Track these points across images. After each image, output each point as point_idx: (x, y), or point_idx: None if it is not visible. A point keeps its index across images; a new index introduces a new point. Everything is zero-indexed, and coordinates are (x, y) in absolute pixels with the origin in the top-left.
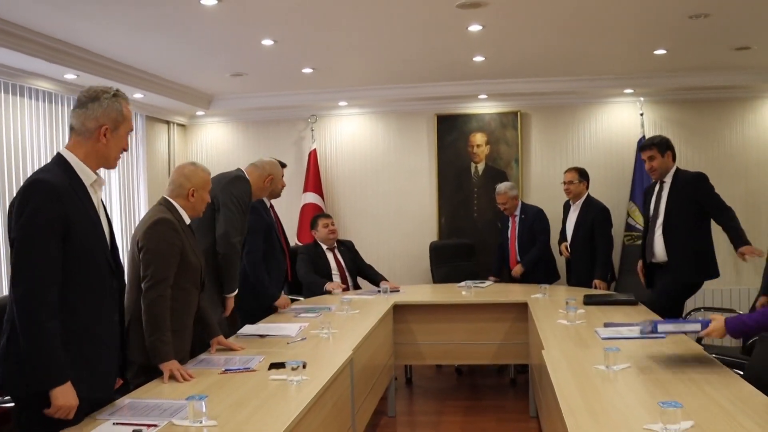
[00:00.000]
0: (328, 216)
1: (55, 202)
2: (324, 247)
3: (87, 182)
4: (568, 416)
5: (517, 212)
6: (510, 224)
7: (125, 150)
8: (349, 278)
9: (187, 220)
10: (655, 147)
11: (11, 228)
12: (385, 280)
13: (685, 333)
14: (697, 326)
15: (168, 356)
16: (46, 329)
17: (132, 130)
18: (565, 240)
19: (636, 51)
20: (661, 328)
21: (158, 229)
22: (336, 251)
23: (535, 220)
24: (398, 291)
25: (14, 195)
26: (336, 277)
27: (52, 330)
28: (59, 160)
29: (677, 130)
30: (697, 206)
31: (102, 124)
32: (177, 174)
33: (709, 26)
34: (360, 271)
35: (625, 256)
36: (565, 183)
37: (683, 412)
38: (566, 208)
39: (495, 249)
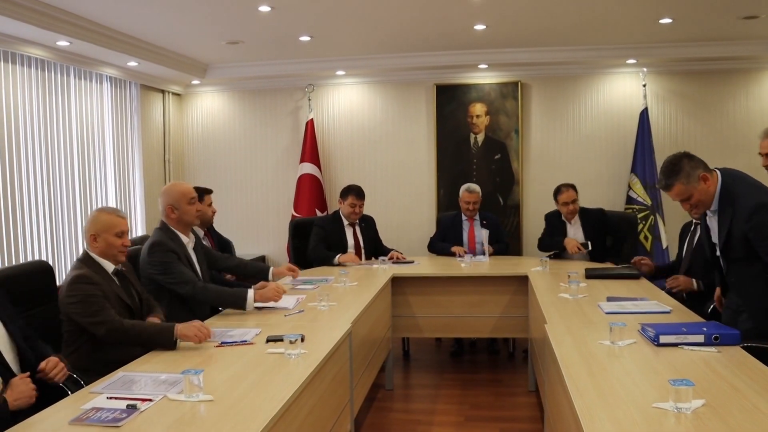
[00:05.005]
0: (361, 197)
1: None
2: (345, 222)
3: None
4: (576, 396)
5: (477, 217)
6: (467, 226)
7: None
8: (363, 256)
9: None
10: None
11: None
12: (393, 250)
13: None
14: (699, 338)
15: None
16: None
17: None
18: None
19: (641, 19)
20: (663, 339)
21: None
22: (356, 227)
23: (498, 223)
24: (413, 263)
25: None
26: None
27: None
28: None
29: (680, 102)
30: None
31: None
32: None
33: None
34: (376, 249)
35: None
36: (568, 204)
37: (694, 391)
38: (550, 219)
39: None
